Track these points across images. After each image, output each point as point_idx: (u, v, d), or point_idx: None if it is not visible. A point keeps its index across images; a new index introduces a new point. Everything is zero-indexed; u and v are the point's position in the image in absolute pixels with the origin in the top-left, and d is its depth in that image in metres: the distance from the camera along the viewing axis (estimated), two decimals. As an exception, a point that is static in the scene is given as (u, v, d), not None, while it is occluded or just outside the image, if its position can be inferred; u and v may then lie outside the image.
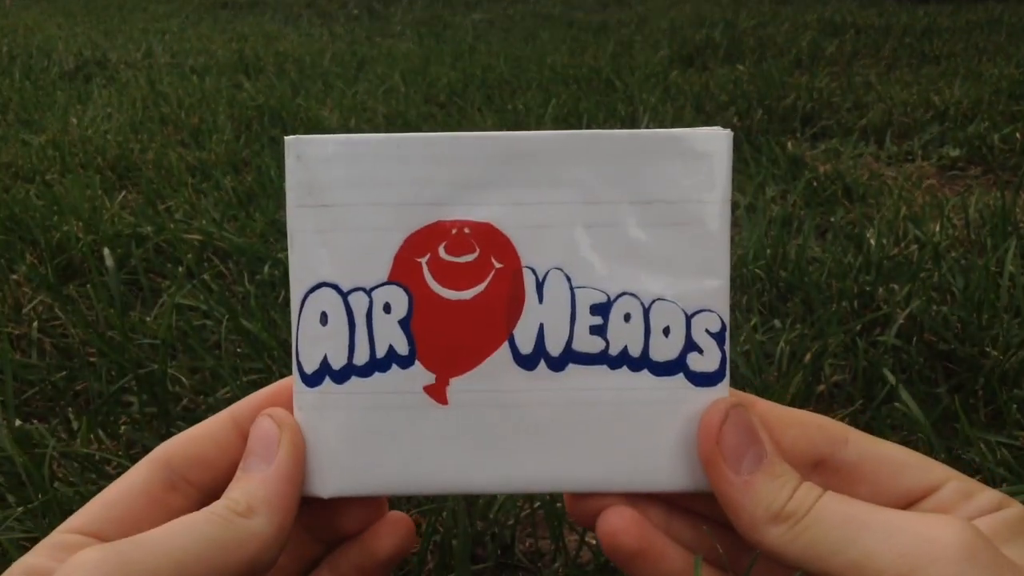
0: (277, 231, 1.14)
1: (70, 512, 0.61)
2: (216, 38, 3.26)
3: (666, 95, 1.98)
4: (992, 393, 0.71)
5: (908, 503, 0.27)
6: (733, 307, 0.82)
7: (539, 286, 0.29)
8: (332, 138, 0.29)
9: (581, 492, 0.29)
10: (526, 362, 0.29)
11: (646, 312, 0.29)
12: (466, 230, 0.28)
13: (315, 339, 0.29)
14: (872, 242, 1.04)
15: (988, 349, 0.75)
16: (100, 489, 0.64)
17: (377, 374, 0.29)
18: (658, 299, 0.29)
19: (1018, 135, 1.57)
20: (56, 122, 1.80)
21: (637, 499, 0.29)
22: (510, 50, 2.78)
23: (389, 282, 0.29)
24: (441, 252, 0.28)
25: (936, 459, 0.29)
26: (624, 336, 0.29)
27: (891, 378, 0.71)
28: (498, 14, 4.09)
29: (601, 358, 0.29)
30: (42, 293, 0.94)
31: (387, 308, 0.29)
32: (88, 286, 0.95)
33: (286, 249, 1.06)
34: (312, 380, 0.29)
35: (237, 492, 0.27)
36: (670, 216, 0.29)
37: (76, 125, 1.77)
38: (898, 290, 0.87)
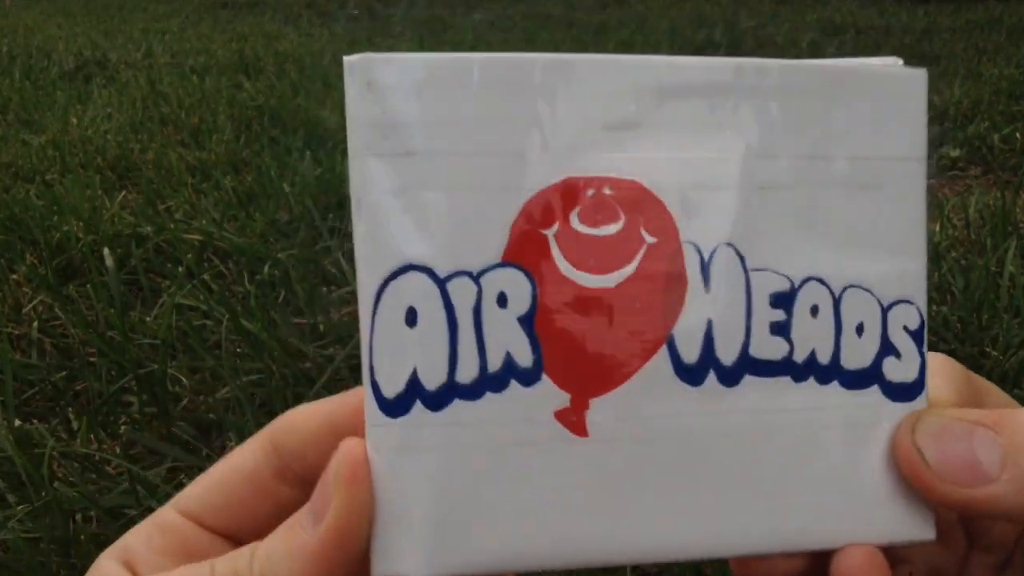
0: (277, 231, 1.14)
1: (71, 512, 0.62)
2: (216, 38, 3.26)
3: (666, 95, 1.98)
4: (992, 393, 0.71)
5: None
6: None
7: (704, 268, 0.21)
8: (419, 57, 0.21)
9: (769, 554, 0.22)
10: (691, 374, 0.21)
11: (836, 304, 0.22)
12: (606, 190, 0.21)
13: (399, 348, 0.20)
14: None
15: (988, 349, 0.75)
16: (100, 490, 0.64)
17: (489, 395, 0.20)
18: (850, 286, 0.22)
19: (1018, 135, 1.57)
20: (56, 122, 1.80)
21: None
22: (510, 50, 2.78)
23: (504, 263, 0.21)
24: (574, 221, 0.21)
25: None
26: (812, 337, 0.22)
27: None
28: (498, 14, 4.10)
29: (784, 367, 0.22)
30: (42, 293, 0.94)
31: (502, 300, 0.21)
32: (88, 286, 0.95)
33: (286, 249, 1.06)
34: (394, 408, 0.20)
35: (262, 552, 0.21)
36: (857, 176, 0.22)
37: (76, 125, 1.77)
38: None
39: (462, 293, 0.20)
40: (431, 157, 0.20)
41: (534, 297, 0.21)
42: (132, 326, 0.85)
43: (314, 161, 1.45)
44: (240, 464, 0.24)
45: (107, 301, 0.90)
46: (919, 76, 0.23)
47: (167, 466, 0.68)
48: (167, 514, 0.24)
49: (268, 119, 1.80)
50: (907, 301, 0.23)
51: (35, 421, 0.73)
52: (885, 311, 0.23)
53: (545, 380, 0.21)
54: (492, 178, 0.21)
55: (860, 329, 0.22)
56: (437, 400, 0.20)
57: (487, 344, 0.21)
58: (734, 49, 2.65)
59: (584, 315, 0.21)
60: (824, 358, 0.22)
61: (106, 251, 0.99)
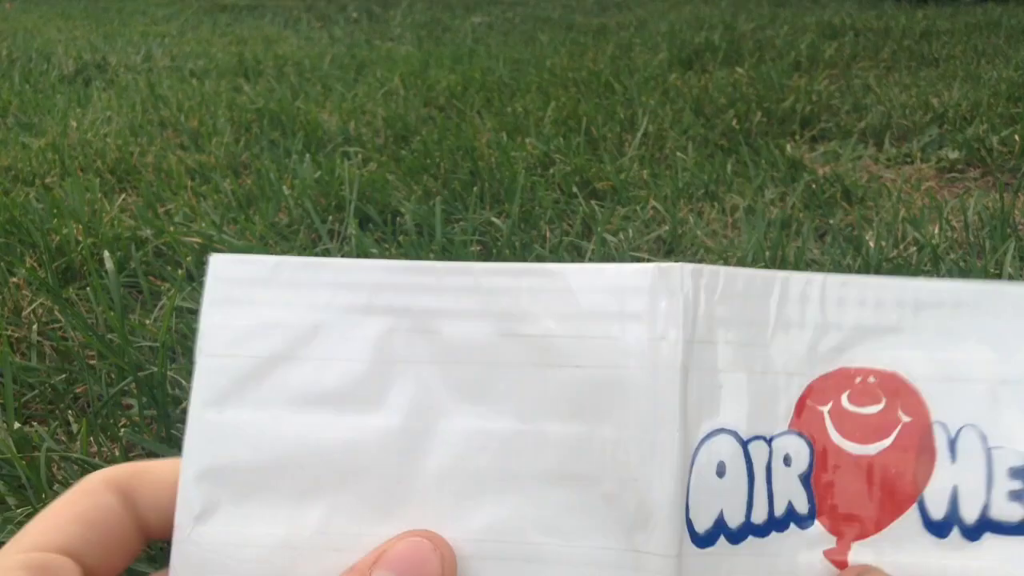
0: (276, 233, 1.15)
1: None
2: (215, 41, 3.26)
3: (665, 98, 1.98)
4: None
5: None
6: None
7: (951, 444, 0.26)
8: (783, 283, 0.26)
9: None
10: (937, 528, 0.25)
11: None
12: (871, 379, 0.26)
13: (712, 493, 0.25)
14: (871, 244, 1.04)
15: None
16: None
17: (774, 534, 0.25)
18: None
19: (1017, 137, 1.57)
20: (56, 125, 1.80)
21: None
22: (509, 53, 2.79)
23: (789, 431, 0.26)
24: (844, 401, 0.26)
25: None
26: None
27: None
28: (497, 17, 4.10)
29: (1021, 528, 0.26)
30: (42, 296, 0.94)
31: (787, 460, 0.26)
32: (88, 289, 0.95)
33: (285, 251, 1.05)
34: (704, 540, 0.25)
35: None
36: None
37: (76, 128, 1.77)
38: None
39: (758, 453, 0.25)
40: (744, 347, 0.26)
41: (811, 459, 0.26)
42: (132, 329, 0.85)
43: (314, 164, 1.45)
44: (99, 503, 0.24)
45: (107, 304, 0.90)
46: None
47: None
48: (35, 557, 0.23)
49: (267, 122, 1.80)
50: None
51: (35, 424, 0.73)
52: None
53: (817, 525, 0.25)
54: (791, 365, 0.26)
55: None
56: (737, 536, 0.25)
57: (774, 494, 0.25)
58: (733, 52, 2.65)
59: (850, 476, 0.26)
60: None
61: (106, 254, 0.99)
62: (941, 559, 0.25)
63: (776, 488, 0.25)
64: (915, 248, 1.03)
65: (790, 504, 0.25)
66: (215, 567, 0.25)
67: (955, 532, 0.25)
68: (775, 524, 0.25)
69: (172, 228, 1.12)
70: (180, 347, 0.82)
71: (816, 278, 0.26)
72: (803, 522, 0.25)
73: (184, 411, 0.74)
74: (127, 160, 1.51)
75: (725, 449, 0.25)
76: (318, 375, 0.26)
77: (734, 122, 1.74)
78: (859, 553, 0.25)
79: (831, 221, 1.18)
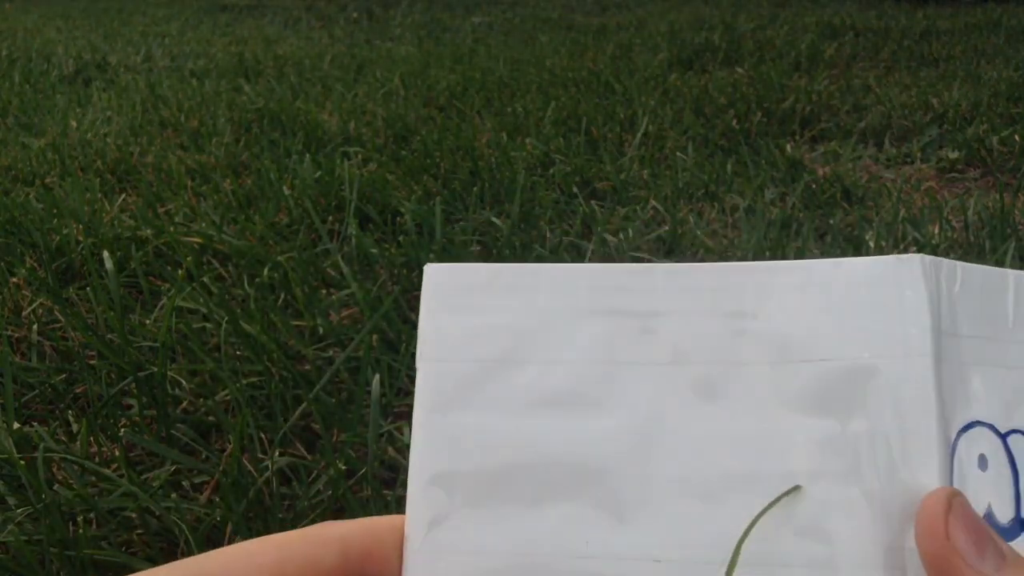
0: (276, 233, 1.15)
1: (71, 515, 0.62)
2: (215, 41, 3.26)
3: (665, 98, 1.98)
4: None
5: None
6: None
7: None
8: (1016, 280, 0.26)
9: None
10: None
11: None
12: None
13: (977, 486, 0.24)
14: (871, 244, 1.04)
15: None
16: (100, 491, 0.64)
17: None
18: None
19: (1017, 137, 1.57)
20: (56, 125, 1.80)
21: None
22: (509, 53, 2.79)
23: None
24: None
25: None
26: None
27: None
28: (497, 17, 4.10)
29: None
30: (42, 296, 0.94)
31: None
32: (88, 289, 0.95)
33: (285, 251, 1.06)
34: None
35: None
36: None
37: (76, 128, 1.77)
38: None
39: (1018, 447, 0.25)
40: (975, 340, 0.25)
41: None
42: (132, 329, 0.85)
43: (313, 164, 1.45)
44: (314, 556, 0.23)
45: (107, 304, 0.90)
46: None
47: (167, 468, 0.68)
48: None
49: (267, 122, 1.80)
50: None
51: (35, 424, 0.73)
52: None
53: None
54: None
55: None
56: (1009, 533, 0.24)
57: None
58: (733, 52, 2.65)
59: None
60: None
61: (106, 254, 0.99)
62: None
63: None
64: (915, 248, 1.03)
65: None
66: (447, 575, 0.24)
67: None
68: None
69: (172, 228, 1.12)
70: (180, 347, 0.82)
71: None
72: None
73: (184, 411, 0.74)
74: (127, 160, 1.51)
75: (984, 441, 0.24)
76: (544, 377, 0.25)
77: (734, 122, 1.74)
78: None
79: (831, 221, 1.18)
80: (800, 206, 1.25)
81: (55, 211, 1.18)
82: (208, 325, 0.86)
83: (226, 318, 0.82)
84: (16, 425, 0.69)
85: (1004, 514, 0.24)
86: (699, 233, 1.13)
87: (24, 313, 0.91)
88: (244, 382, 0.74)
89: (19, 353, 0.85)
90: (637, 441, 0.24)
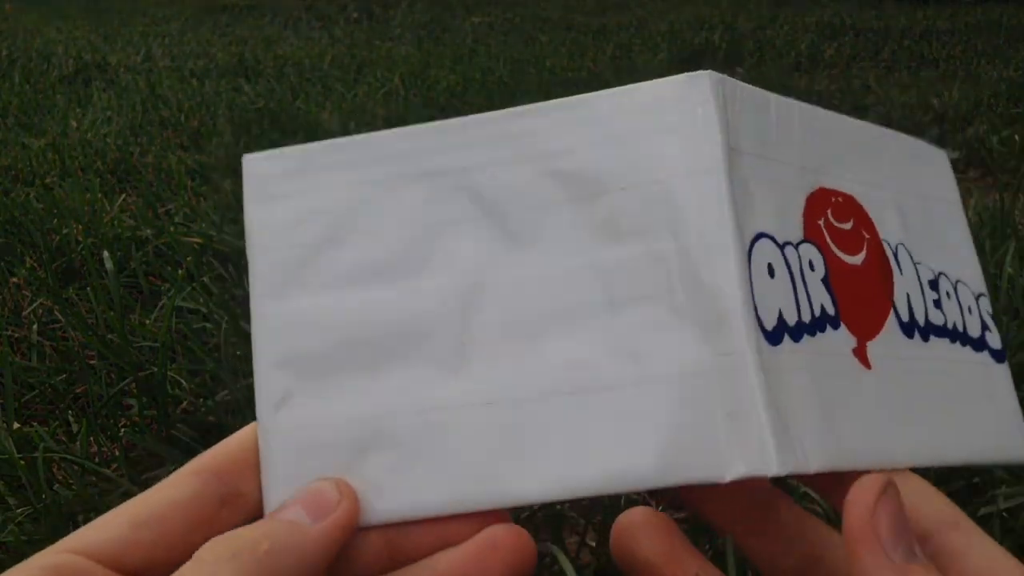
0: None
1: (71, 516, 0.62)
2: (215, 41, 3.26)
3: (665, 98, 1.98)
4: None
5: None
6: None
7: (895, 258, 0.29)
8: (775, 102, 0.28)
9: (940, 465, 0.28)
10: (907, 330, 0.28)
11: (955, 291, 0.30)
12: (839, 199, 0.28)
13: (769, 292, 0.25)
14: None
15: (987, 351, 0.76)
16: (100, 492, 0.64)
17: (819, 334, 0.26)
18: (959, 281, 0.31)
19: (1017, 137, 1.57)
20: (56, 125, 1.80)
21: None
22: (509, 53, 2.79)
23: (806, 240, 0.27)
24: (829, 216, 0.28)
25: None
26: (952, 312, 0.30)
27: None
28: (497, 17, 4.10)
29: (945, 331, 0.29)
30: (42, 296, 0.94)
31: (811, 266, 0.27)
32: (88, 289, 0.95)
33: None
34: (773, 338, 0.25)
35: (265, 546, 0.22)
36: (933, 211, 0.31)
37: (76, 128, 1.77)
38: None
39: (792, 257, 0.26)
40: (760, 159, 0.27)
41: (825, 266, 0.27)
42: (132, 329, 0.85)
43: (314, 164, 1.44)
44: (174, 497, 0.24)
45: (107, 304, 0.90)
46: (943, 153, 0.32)
47: (167, 469, 0.68)
48: (62, 558, 0.23)
49: (268, 122, 1.80)
50: (984, 295, 0.31)
51: (35, 424, 0.73)
52: (976, 299, 0.31)
53: (843, 327, 0.27)
54: (788, 179, 0.27)
55: (970, 310, 0.30)
56: (796, 334, 0.25)
57: (811, 296, 0.26)
58: (733, 52, 2.65)
59: (851, 283, 0.27)
60: (960, 327, 0.30)
61: (106, 254, 0.99)
62: (914, 356, 0.28)
63: (810, 291, 0.26)
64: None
65: (822, 307, 0.26)
66: (302, 448, 0.25)
67: (916, 334, 0.29)
68: (817, 324, 0.26)
69: (172, 228, 1.12)
70: (180, 347, 0.82)
71: (793, 103, 0.28)
72: (833, 323, 0.26)
73: (184, 411, 0.74)
74: (127, 160, 1.51)
75: (769, 252, 0.25)
76: (367, 250, 0.26)
77: (734, 122, 1.74)
78: (871, 351, 0.27)
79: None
80: (800, 206, 1.26)
81: (55, 211, 1.18)
82: (208, 325, 0.86)
83: (226, 318, 0.82)
84: (16, 425, 0.69)
85: (791, 317, 0.25)
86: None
87: (24, 313, 0.91)
88: (244, 382, 0.74)
89: (19, 353, 0.85)
90: (460, 296, 0.25)
